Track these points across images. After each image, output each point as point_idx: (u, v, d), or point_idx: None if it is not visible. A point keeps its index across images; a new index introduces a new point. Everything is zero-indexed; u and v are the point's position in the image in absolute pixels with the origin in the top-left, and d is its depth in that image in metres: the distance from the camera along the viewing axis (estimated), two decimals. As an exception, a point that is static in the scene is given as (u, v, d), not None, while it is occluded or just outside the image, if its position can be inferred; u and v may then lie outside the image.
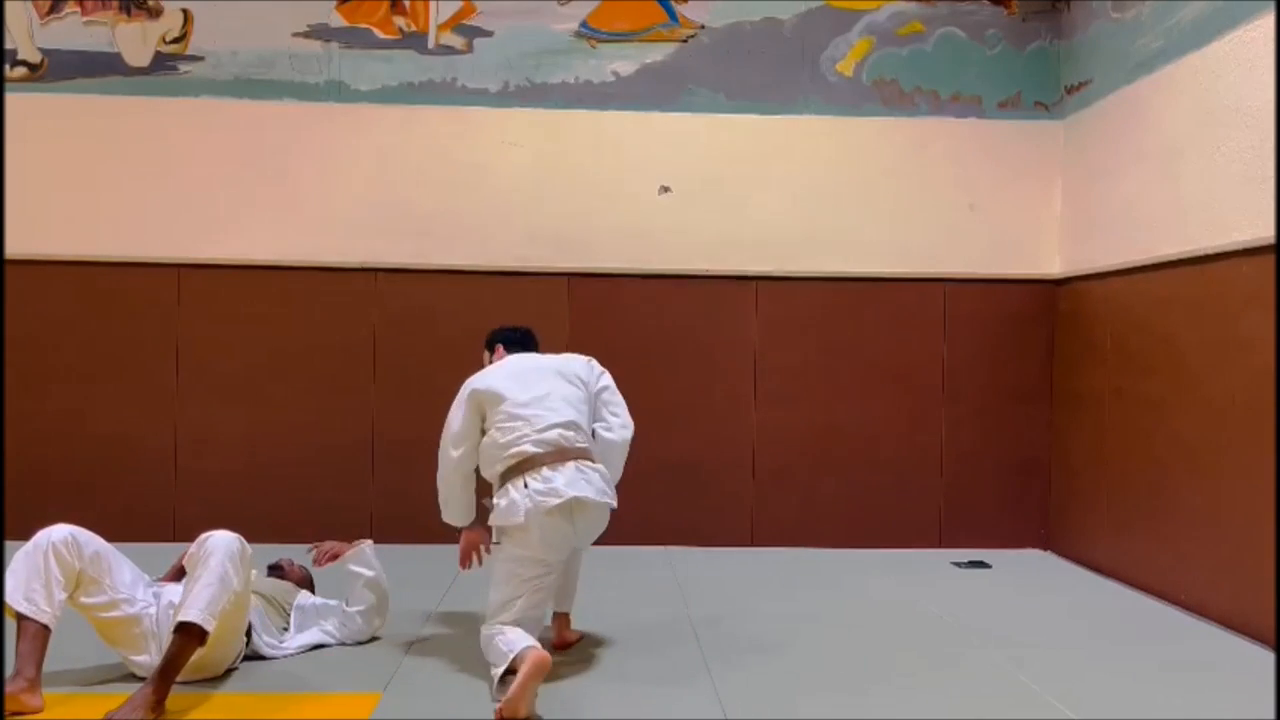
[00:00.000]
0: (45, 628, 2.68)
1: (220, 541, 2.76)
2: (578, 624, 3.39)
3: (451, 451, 3.15)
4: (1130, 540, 4.32)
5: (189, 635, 2.64)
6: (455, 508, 3.23)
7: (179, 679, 2.67)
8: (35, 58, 4.92)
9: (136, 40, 4.96)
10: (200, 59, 4.96)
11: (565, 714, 2.74)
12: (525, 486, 2.96)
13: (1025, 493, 5.08)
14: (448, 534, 4.87)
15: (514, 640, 2.82)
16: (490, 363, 3.38)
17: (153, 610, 2.85)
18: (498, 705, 2.66)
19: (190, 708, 2.70)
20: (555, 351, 3.42)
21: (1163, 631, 3.67)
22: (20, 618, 2.66)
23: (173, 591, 2.89)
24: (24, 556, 2.73)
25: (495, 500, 3.05)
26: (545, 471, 2.98)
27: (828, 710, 2.80)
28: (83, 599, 2.79)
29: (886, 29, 5.08)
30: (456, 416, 3.16)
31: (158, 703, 2.58)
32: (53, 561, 2.70)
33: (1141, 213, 4.31)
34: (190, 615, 2.62)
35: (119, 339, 4.91)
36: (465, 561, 3.29)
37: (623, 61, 5.06)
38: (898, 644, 3.43)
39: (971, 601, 4.05)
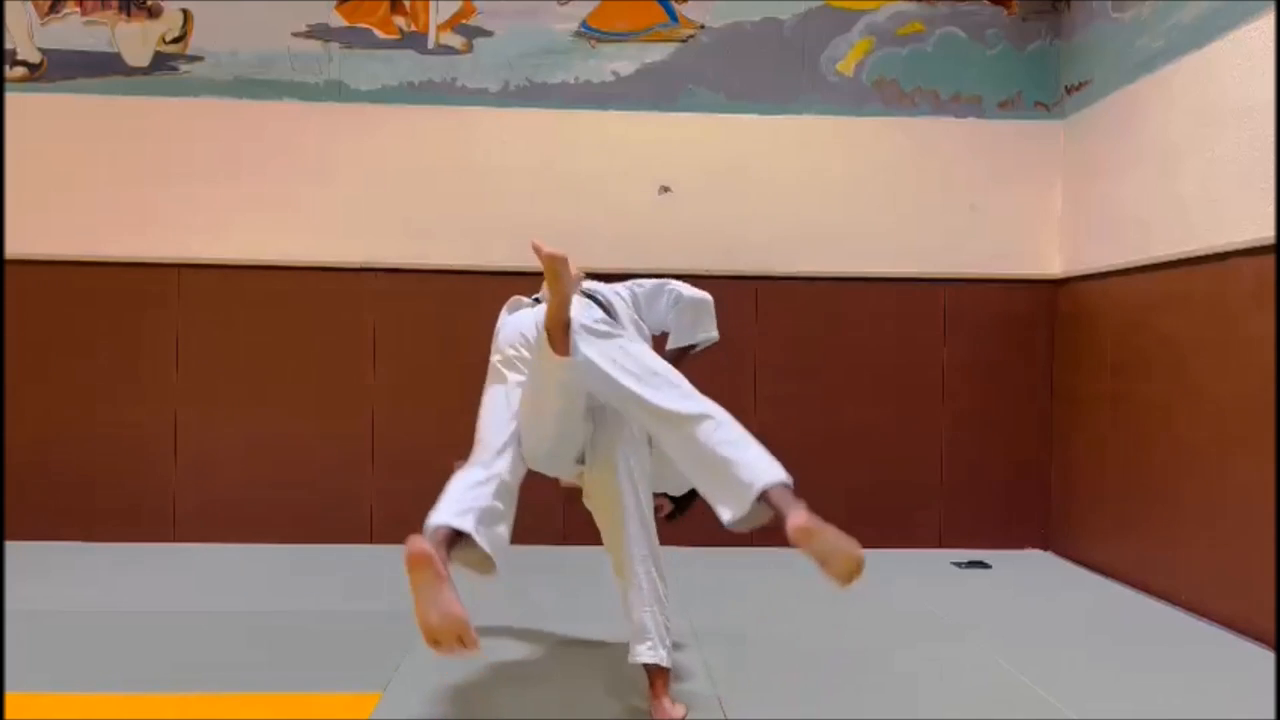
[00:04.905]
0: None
1: None
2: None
3: None
4: (1130, 540, 4.32)
5: None
6: None
7: None
8: (35, 58, 4.92)
9: (136, 40, 4.96)
10: (200, 59, 4.97)
11: (563, 715, 2.74)
12: None
13: (1025, 493, 5.08)
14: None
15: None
16: None
17: None
18: None
19: (191, 708, 2.70)
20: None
21: (1163, 632, 3.67)
22: None
23: None
24: None
25: None
26: None
27: (827, 710, 2.80)
28: None
29: (886, 29, 5.08)
30: None
31: None
32: None
33: (1141, 213, 4.31)
34: None
35: (119, 339, 4.91)
36: None
37: (623, 61, 5.06)
38: (897, 644, 3.43)
39: (971, 601, 4.05)
